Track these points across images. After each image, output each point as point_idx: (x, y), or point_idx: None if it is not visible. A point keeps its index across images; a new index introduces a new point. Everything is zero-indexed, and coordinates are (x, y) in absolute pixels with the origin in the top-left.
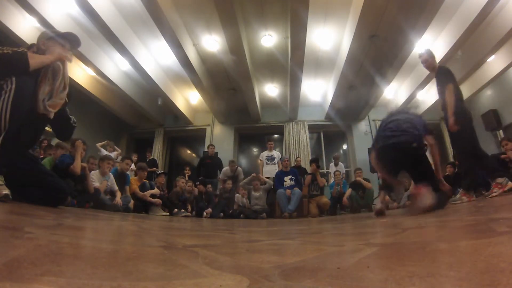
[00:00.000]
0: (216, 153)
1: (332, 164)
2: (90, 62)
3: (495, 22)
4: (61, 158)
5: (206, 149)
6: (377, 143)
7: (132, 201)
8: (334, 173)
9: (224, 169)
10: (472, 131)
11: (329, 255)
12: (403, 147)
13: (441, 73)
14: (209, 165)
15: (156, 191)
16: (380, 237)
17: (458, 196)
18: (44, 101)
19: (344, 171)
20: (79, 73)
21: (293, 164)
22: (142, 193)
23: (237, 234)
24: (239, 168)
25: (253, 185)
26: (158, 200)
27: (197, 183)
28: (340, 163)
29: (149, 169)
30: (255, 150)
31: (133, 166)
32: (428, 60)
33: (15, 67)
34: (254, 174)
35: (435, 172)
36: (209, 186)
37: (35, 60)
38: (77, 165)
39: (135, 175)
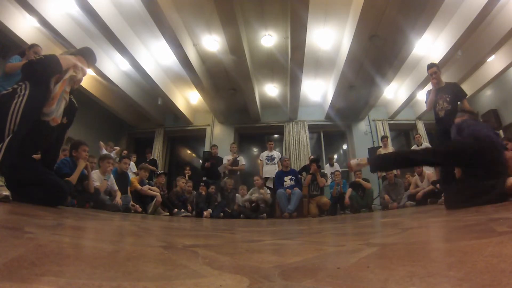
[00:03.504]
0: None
1: (327, 165)
2: None
3: (495, 22)
4: (60, 164)
5: (206, 149)
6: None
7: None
8: (333, 173)
9: (225, 157)
10: None
11: (329, 255)
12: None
13: (457, 85)
14: (212, 166)
15: (155, 189)
16: (380, 237)
17: (443, 197)
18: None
19: (340, 171)
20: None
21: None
22: (140, 186)
23: (237, 234)
24: (241, 156)
25: (254, 183)
26: (158, 195)
27: (202, 184)
28: (335, 163)
29: (150, 167)
30: (255, 150)
31: (132, 165)
32: (437, 73)
33: (53, 70)
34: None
35: None
36: (212, 187)
37: (65, 61)
38: (74, 179)
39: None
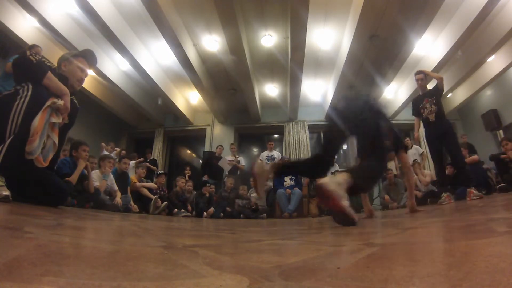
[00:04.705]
0: None
1: None
2: None
3: (495, 22)
4: (60, 164)
5: (206, 149)
6: None
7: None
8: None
9: (226, 157)
10: None
11: (329, 255)
12: None
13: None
14: (216, 166)
15: (153, 185)
16: (380, 237)
17: (443, 197)
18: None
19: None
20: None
21: None
22: (139, 183)
23: (237, 234)
24: (241, 157)
25: (252, 184)
26: (155, 197)
27: (207, 184)
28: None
29: (150, 166)
30: (255, 150)
31: (132, 164)
32: (423, 80)
33: (31, 75)
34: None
35: None
36: (212, 187)
37: (49, 81)
38: (74, 179)
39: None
